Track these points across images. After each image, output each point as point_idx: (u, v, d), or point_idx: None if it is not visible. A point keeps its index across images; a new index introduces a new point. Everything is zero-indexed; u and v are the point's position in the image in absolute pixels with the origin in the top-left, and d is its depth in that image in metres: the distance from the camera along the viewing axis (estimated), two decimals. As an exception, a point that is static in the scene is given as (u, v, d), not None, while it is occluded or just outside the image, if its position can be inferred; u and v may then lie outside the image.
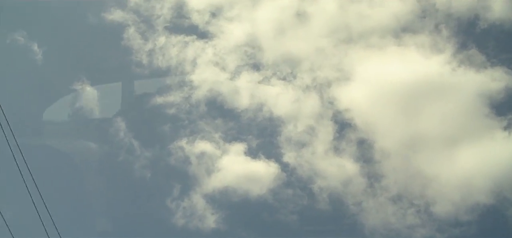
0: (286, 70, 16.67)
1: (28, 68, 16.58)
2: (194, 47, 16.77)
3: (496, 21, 16.30)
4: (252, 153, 15.74)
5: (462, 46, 16.32)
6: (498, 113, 15.47)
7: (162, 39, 16.79)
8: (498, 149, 15.30)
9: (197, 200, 15.04)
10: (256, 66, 16.75)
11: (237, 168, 15.56)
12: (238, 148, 15.85)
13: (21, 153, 13.26)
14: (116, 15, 16.94)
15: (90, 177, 15.57)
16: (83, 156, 15.61)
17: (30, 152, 14.32)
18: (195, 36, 16.89)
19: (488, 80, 15.98)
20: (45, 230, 12.98)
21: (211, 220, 14.86)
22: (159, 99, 16.13)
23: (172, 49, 16.63)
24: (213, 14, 17.15)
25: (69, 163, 15.58)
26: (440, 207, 14.82)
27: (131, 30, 16.73)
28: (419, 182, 15.24)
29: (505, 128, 15.30)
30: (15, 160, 12.89)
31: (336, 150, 15.75)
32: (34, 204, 13.14)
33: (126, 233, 14.82)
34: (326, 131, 15.91)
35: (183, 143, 15.70)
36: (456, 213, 14.65)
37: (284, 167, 15.51)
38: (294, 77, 16.63)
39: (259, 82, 16.62)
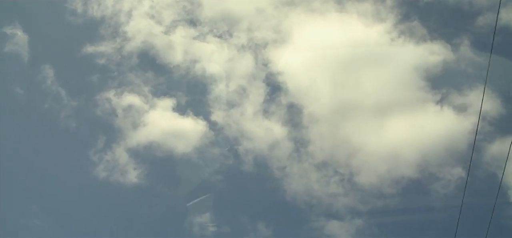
0: (223, 28, 16.20)
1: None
2: (130, -1, 16.21)
3: (441, -5, 15.90)
4: (181, 109, 15.35)
5: (404, 17, 15.89)
6: (433, 87, 15.14)
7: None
8: (429, 123, 15.00)
9: (120, 154, 14.69)
10: (193, 22, 16.25)
11: (164, 123, 15.18)
12: (166, 103, 15.40)
13: None
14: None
15: (13, 122, 15.14)
16: (8, 101, 15.16)
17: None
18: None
19: (426, 53, 15.61)
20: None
21: (133, 175, 14.52)
22: (90, 49, 15.63)
23: (108, -1, 16.05)
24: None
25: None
26: (364, 178, 14.57)
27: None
28: (345, 150, 14.95)
29: (438, 102, 14.99)
30: None
31: (266, 112, 15.39)
32: None
33: (46, 182, 14.54)
34: (257, 93, 15.53)
35: (110, 94, 15.27)
36: (380, 184, 14.42)
37: (212, 125, 15.16)
38: (231, 35, 16.17)
39: (194, 38, 16.14)
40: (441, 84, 15.16)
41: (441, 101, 14.94)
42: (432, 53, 15.52)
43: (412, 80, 15.33)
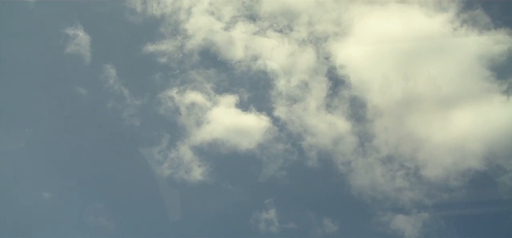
0: (283, 22, 16.07)
1: (21, 11, 16.12)
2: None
3: (505, -18, 15.51)
4: (244, 106, 15.28)
5: (467, 6, 15.55)
6: (498, 77, 14.78)
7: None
8: (495, 113, 14.66)
9: (185, 151, 14.67)
10: (252, 18, 16.16)
11: (227, 120, 15.12)
12: (229, 100, 15.37)
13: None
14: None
15: (77, 122, 15.24)
16: (71, 101, 15.26)
17: (17, 95, 14.21)
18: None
19: (490, 42, 15.24)
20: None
21: (197, 172, 14.51)
22: (151, 48, 15.66)
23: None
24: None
25: (57, 107, 15.27)
26: (430, 171, 14.28)
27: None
28: (410, 143, 14.68)
29: (504, 92, 14.63)
30: None
31: (328, 106, 15.22)
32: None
33: (111, 181, 14.56)
34: (320, 87, 15.36)
35: (173, 92, 15.27)
36: (447, 177, 14.12)
37: (275, 121, 15.05)
38: (291, 30, 16.03)
39: (254, 33, 16.05)
40: (507, 73, 14.80)
41: (507, 91, 14.60)
42: (497, 42, 15.16)
43: (476, 70, 15.00)
